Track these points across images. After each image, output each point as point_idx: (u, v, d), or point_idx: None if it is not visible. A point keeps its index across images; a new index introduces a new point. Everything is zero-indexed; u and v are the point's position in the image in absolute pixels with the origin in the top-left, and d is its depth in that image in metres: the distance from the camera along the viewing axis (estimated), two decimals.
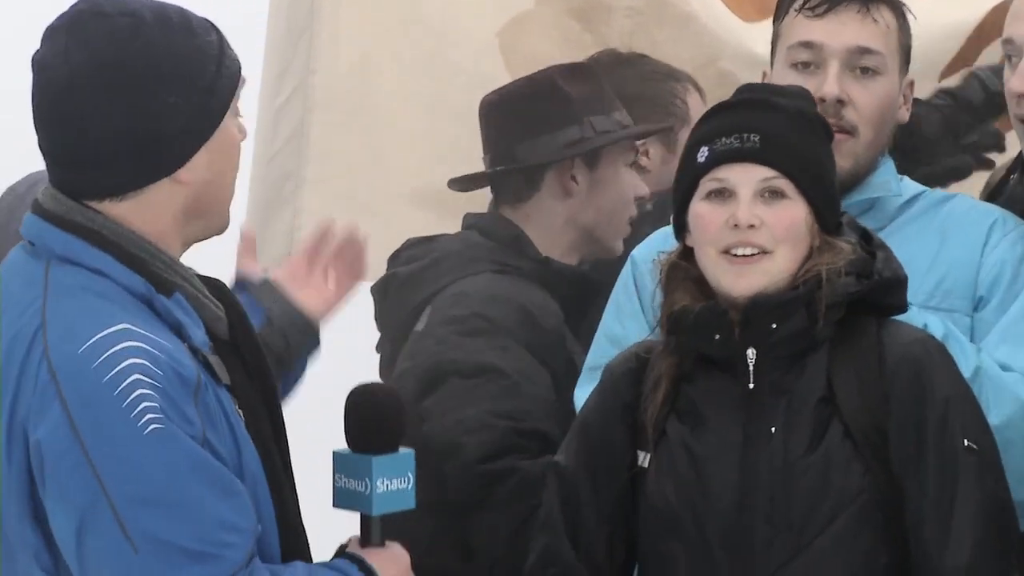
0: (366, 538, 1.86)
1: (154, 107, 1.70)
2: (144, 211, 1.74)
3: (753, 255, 1.91)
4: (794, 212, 1.94)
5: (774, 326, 1.89)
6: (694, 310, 1.92)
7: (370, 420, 1.86)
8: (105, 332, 1.63)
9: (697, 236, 1.96)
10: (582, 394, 2.25)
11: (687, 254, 1.99)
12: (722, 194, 1.95)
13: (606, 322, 2.42)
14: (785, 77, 2.26)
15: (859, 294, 1.93)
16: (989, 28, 3.35)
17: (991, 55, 3.21)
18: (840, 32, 2.30)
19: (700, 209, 1.96)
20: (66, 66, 1.71)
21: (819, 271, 1.92)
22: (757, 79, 2.43)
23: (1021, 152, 2.46)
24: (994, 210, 2.34)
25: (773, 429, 1.90)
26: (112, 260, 1.70)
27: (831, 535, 1.88)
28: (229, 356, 1.82)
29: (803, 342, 1.92)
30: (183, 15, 1.78)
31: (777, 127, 1.98)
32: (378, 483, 1.83)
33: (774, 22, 2.43)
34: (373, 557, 1.84)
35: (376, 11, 3.44)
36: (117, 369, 1.62)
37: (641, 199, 2.73)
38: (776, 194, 1.94)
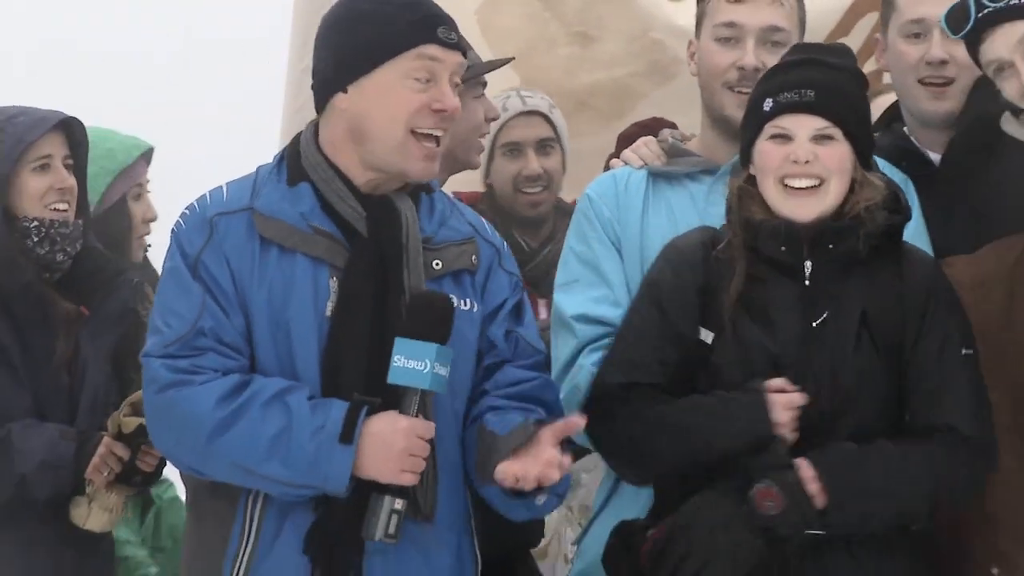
0: (404, 409, 2.34)
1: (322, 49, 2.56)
2: (324, 125, 2.53)
3: (809, 188, 2.48)
4: (842, 151, 2.53)
5: (831, 246, 2.47)
6: (773, 223, 2.48)
7: (434, 317, 2.37)
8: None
9: (761, 167, 2.52)
10: (567, 298, 2.94)
11: (751, 180, 2.55)
12: (783, 137, 2.53)
13: (571, 244, 3.01)
14: (711, 48, 2.92)
15: (894, 227, 2.54)
16: (863, 5, 4.30)
17: (863, 27, 4.21)
18: (755, 14, 2.95)
19: (765, 147, 2.53)
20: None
21: (864, 205, 2.50)
22: (681, 47, 3.21)
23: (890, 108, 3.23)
24: None
25: (822, 321, 2.50)
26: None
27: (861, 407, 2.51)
28: (361, 251, 2.48)
29: (850, 260, 2.50)
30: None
31: (828, 83, 2.56)
32: (436, 366, 2.32)
33: (698, 2, 3.02)
34: (385, 417, 2.36)
35: None
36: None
37: (493, 119, 3.36)
38: (826, 138, 2.52)
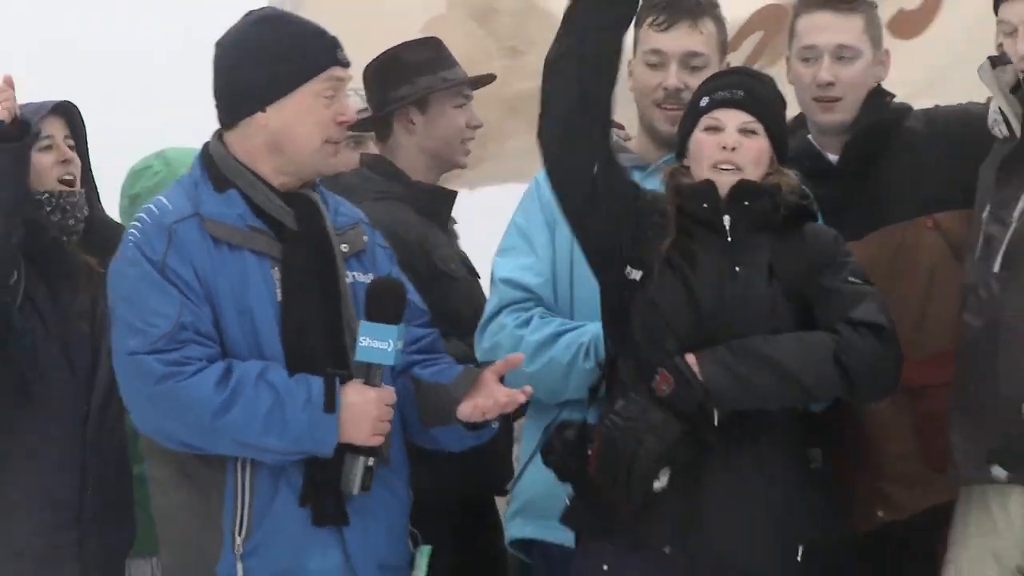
0: (371, 381, 2.81)
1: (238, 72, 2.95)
2: (238, 138, 2.95)
3: (732, 170, 3.03)
4: (761, 144, 3.09)
5: (746, 203, 3.00)
6: (696, 185, 3.05)
7: (392, 302, 2.85)
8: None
9: (696, 155, 3.06)
10: (501, 262, 3.45)
11: (686, 168, 3.10)
12: (715, 128, 3.08)
13: (515, 217, 3.51)
14: (641, 71, 3.40)
15: (801, 207, 3.10)
16: (753, 24, 4.73)
17: (750, 43, 4.68)
18: (676, 42, 3.41)
19: (699, 137, 3.08)
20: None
21: (778, 180, 3.07)
22: None
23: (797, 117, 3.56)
24: None
25: (737, 269, 3.02)
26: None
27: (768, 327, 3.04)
28: (295, 244, 2.92)
29: (763, 218, 3.02)
30: (287, 18, 3.14)
31: (754, 88, 3.14)
32: (397, 344, 2.79)
33: (634, 28, 3.35)
34: (354, 387, 2.82)
35: (338, 17, 4.33)
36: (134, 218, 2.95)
37: (476, 127, 3.81)
38: (751, 132, 3.08)
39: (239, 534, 2.84)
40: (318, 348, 2.92)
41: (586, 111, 3.03)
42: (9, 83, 3.22)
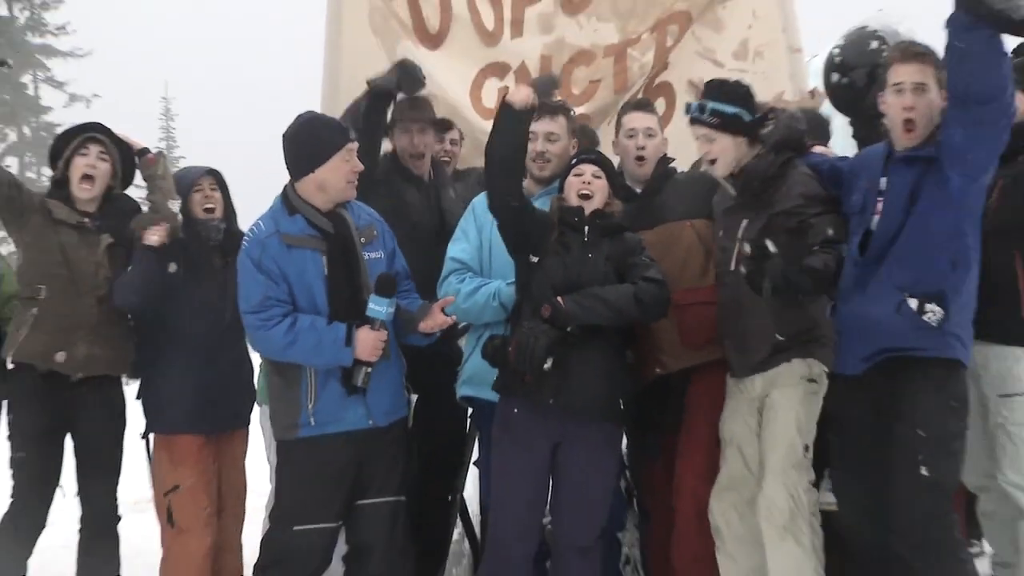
0: (373, 328, 4.12)
1: (298, 151, 4.09)
2: (300, 185, 4.10)
3: (590, 198, 4.25)
4: (604, 183, 4.43)
5: (597, 221, 4.21)
6: (571, 207, 4.22)
7: (388, 287, 4.12)
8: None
9: (568, 190, 4.33)
10: (451, 246, 4.73)
11: (563, 197, 4.29)
12: (579, 175, 4.42)
13: (456, 236, 4.73)
14: (533, 140, 4.64)
15: (622, 223, 4.32)
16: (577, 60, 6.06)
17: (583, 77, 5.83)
18: (541, 126, 4.75)
19: (571, 180, 4.40)
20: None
21: (612, 208, 4.35)
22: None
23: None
24: None
25: (589, 255, 4.20)
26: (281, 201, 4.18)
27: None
28: (334, 240, 4.14)
29: (604, 229, 4.25)
30: (323, 119, 4.29)
31: (601, 156, 4.51)
32: (389, 309, 4.10)
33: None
34: (363, 330, 4.11)
35: None
36: (247, 232, 4.18)
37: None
38: (597, 176, 4.45)
39: (309, 402, 4.19)
40: (346, 305, 4.17)
41: (508, 173, 4.29)
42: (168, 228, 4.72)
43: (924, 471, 3.87)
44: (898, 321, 3.90)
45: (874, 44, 4.85)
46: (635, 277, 4.24)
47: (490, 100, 5.73)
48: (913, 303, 3.85)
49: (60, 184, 4.97)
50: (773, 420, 4.29)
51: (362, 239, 4.24)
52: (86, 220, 4.92)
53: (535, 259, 4.28)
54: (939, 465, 3.90)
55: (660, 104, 5.48)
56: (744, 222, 4.29)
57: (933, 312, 3.85)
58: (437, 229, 5.03)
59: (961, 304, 3.94)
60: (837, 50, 4.93)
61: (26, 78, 32.09)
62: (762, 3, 5.75)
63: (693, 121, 4.37)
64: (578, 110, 5.58)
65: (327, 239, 4.18)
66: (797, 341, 4.28)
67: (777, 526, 4.22)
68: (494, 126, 4.29)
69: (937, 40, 3.66)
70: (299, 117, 4.20)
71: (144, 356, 4.96)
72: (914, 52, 3.98)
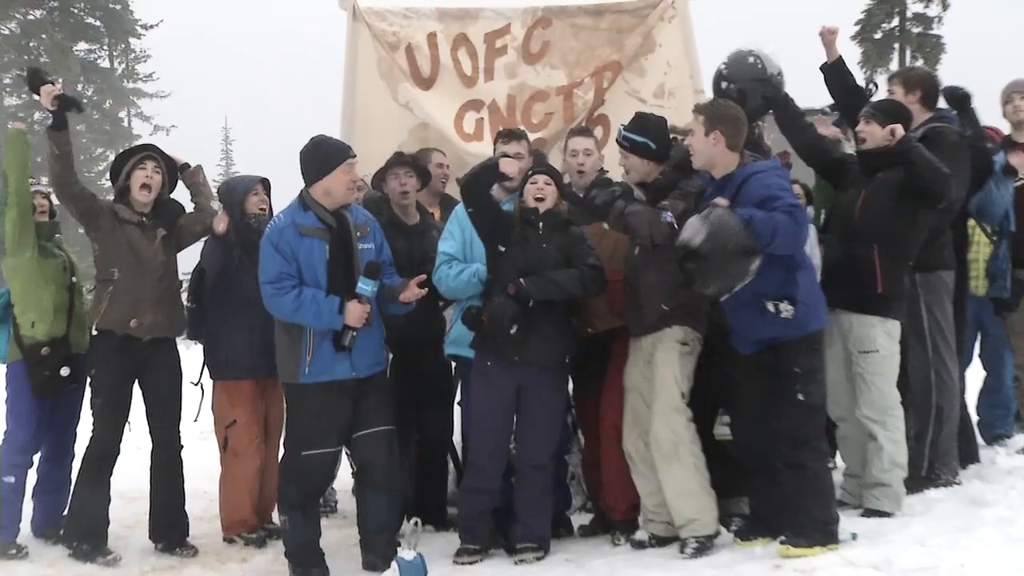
0: (361, 301, 4.59)
1: (310, 164, 4.64)
2: (312, 190, 4.64)
3: (544, 200, 4.81)
4: (554, 189, 4.86)
5: (550, 218, 4.80)
6: (530, 207, 4.82)
7: (375, 272, 4.66)
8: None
9: (527, 194, 4.81)
10: (441, 243, 5.03)
11: (523, 200, 4.87)
12: (535, 183, 4.87)
13: (444, 236, 5.10)
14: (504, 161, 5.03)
15: (569, 220, 4.85)
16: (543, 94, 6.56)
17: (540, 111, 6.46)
18: (510, 148, 5.17)
19: (528, 187, 4.86)
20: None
21: (561, 208, 4.87)
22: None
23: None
24: None
25: (544, 245, 4.84)
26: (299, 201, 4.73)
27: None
28: (335, 233, 4.61)
29: (555, 225, 4.85)
30: (329, 140, 4.82)
31: (551, 168, 4.99)
32: (374, 288, 4.65)
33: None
34: (352, 303, 4.58)
35: None
36: (271, 222, 4.75)
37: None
38: (548, 184, 4.87)
39: (308, 355, 4.60)
40: (341, 283, 4.58)
41: (479, 193, 4.80)
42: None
43: (800, 396, 4.37)
44: (764, 320, 4.36)
45: (751, 60, 5.23)
46: (579, 263, 4.80)
47: (469, 127, 6.52)
48: (771, 306, 4.28)
49: (123, 192, 5.45)
50: (657, 373, 4.76)
51: (358, 233, 4.74)
52: (144, 219, 5.41)
53: (502, 249, 4.82)
54: (810, 390, 4.42)
55: (599, 131, 6.20)
56: None
57: (786, 310, 4.27)
58: (417, 272, 5.27)
59: (806, 290, 4.38)
60: (723, 65, 5.32)
61: (122, 113, 39.19)
62: (675, 55, 6.43)
63: (618, 143, 4.98)
64: (536, 135, 6.31)
65: (331, 231, 4.66)
66: (679, 311, 4.78)
67: (664, 454, 4.69)
68: (475, 175, 4.88)
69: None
70: (312, 138, 4.74)
71: (213, 319, 5.50)
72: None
